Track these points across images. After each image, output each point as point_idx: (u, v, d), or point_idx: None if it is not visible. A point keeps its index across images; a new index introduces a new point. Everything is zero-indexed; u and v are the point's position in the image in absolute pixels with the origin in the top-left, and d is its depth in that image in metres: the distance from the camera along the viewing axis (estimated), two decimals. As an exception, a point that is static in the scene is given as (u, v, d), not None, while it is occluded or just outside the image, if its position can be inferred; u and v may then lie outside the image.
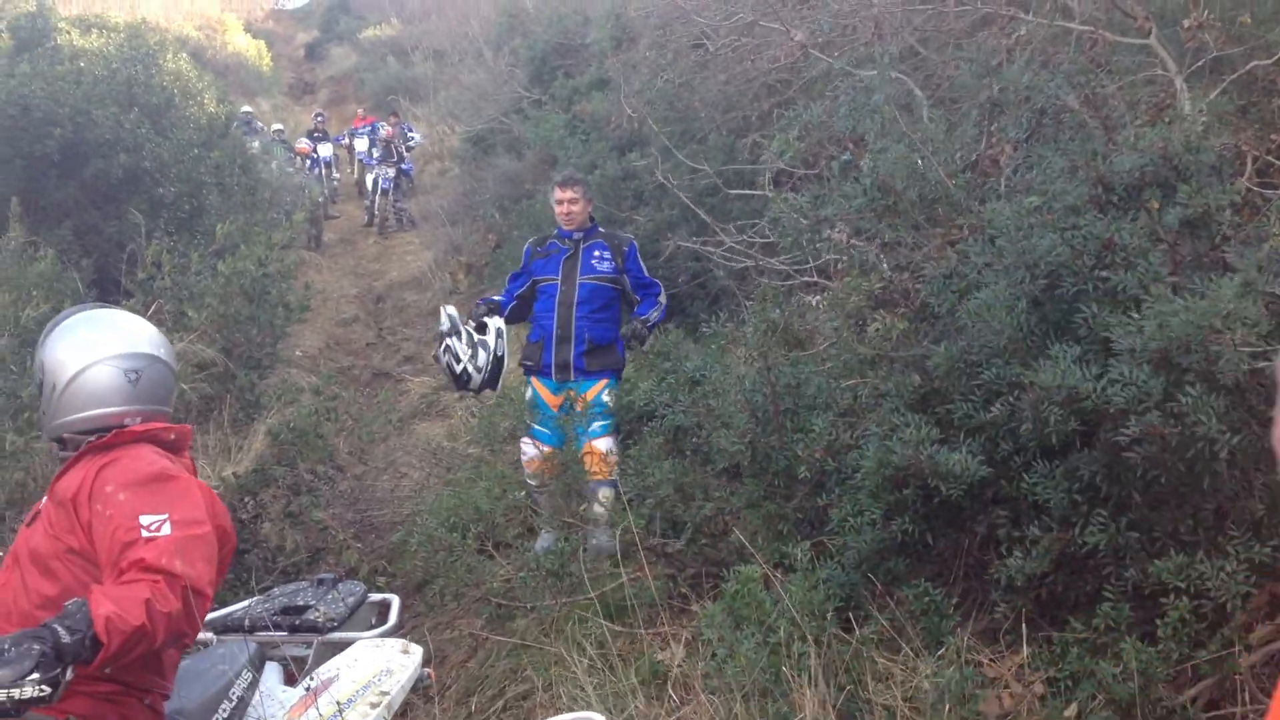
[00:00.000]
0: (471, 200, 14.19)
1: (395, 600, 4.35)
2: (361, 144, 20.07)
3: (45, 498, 3.08)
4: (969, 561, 4.13)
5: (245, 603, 4.30)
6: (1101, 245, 3.64)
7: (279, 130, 20.79)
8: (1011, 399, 3.64)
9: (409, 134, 19.43)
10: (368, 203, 18.59)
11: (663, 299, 6.48)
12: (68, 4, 20.91)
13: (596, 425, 6.00)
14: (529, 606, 4.99)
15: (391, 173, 18.00)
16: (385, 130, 18.75)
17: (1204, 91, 4.66)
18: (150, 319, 7.01)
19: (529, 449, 6.17)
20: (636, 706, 4.17)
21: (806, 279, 5.95)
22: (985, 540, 4.01)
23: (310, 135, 20.26)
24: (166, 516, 2.82)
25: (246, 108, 20.67)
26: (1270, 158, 4.45)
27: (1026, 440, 3.64)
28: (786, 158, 6.25)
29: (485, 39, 19.80)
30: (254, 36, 31.35)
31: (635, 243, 6.57)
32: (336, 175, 20.78)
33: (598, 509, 5.73)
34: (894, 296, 4.74)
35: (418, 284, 14.05)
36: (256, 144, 15.97)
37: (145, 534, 2.76)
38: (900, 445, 3.84)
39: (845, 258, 5.15)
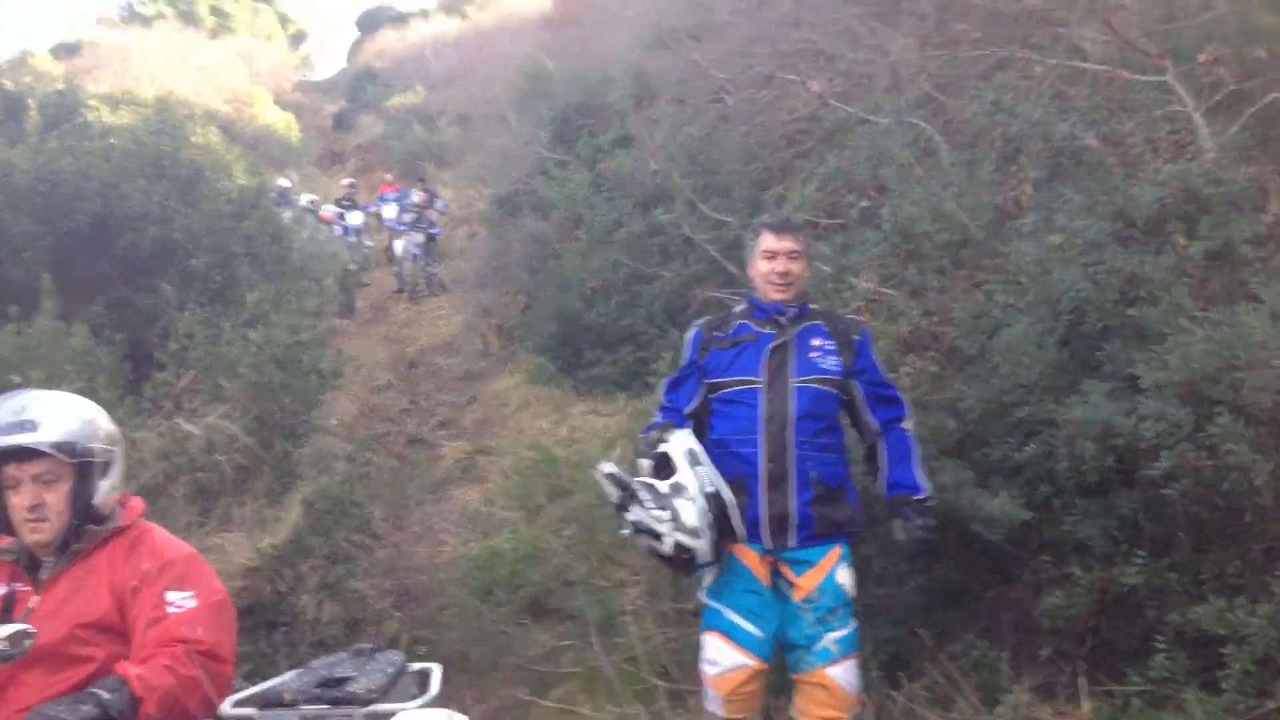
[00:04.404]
0: (500, 262, 14.26)
1: (436, 668, 4.29)
2: (389, 211, 20.26)
3: (38, 597, 2.93)
4: (1018, 614, 4.08)
5: (283, 676, 4.27)
6: (1124, 279, 3.63)
7: (313, 200, 21.00)
8: (1047, 436, 3.62)
9: (435, 200, 19.64)
10: (396, 270, 18.75)
11: (909, 424, 3.95)
12: (97, 82, 21.21)
13: (833, 638, 3.74)
14: (572, 672, 4.92)
15: (420, 238, 18.15)
16: (419, 197, 18.97)
17: (1223, 126, 4.65)
18: (184, 391, 7.15)
19: (722, 654, 3.85)
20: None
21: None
22: (1035, 590, 3.96)
23: (338, 203, 20.46)
24: (192, 593, 2.96)
25: (283, 181, 20.85)
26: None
27: (1065, 480, 3.61)
28: (805, 210, 6.27)
29: (509, 102, 19.99)
30: (283, 109, 31.78)
31: (870, 331, 4.18)
32: (369, 243, 20.96)
33: None
34: (923, 340, 4.72)
35: (449, 348, 14.11)
36: (289, 214, 16.14)
37: (172, 610, 2.89)
38: (936, 490, 3.81)
39: (872, 303, 5.14)
